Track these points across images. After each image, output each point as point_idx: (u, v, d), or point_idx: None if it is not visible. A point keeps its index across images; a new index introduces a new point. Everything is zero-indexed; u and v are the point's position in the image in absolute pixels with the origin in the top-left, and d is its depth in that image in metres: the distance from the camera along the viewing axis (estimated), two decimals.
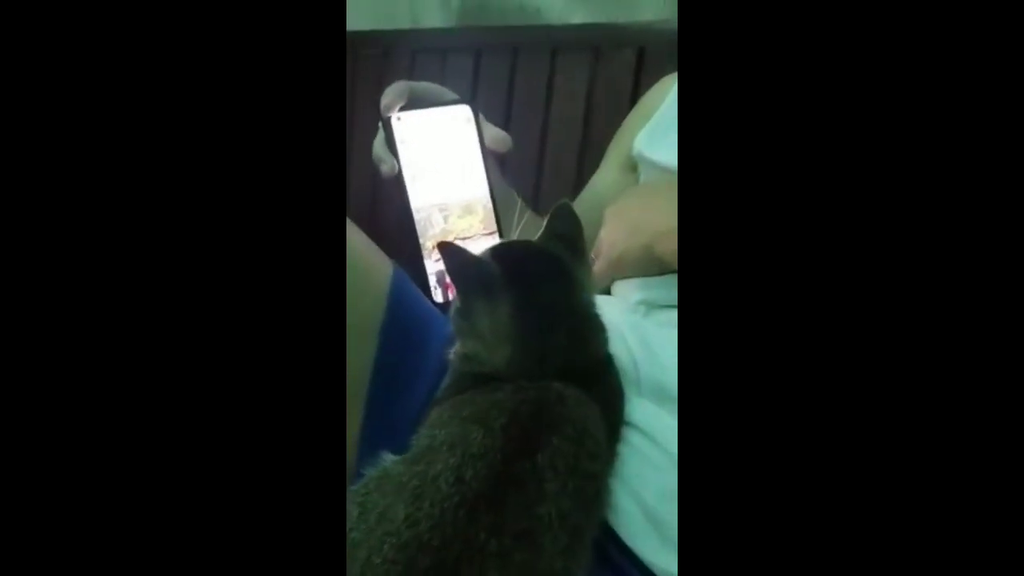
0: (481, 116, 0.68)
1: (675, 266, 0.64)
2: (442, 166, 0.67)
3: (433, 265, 0.66)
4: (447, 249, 0.52)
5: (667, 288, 0.65)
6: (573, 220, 0.57)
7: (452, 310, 0.55)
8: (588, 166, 0.99)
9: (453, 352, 0.56)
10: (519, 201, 0.81)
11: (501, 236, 0.67)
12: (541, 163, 1.13)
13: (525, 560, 0.44)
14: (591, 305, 0.56)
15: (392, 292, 0.60)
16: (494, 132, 0.68)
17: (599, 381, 0.54)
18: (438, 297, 0.65)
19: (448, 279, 0.64)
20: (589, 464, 0.48)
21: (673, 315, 0.64)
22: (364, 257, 0.61)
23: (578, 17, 1.18)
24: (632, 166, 0.82)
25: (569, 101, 1.11)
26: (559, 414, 0.48)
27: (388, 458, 0.50)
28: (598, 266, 0.69)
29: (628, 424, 0.55)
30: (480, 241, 0.66)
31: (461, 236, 0.66)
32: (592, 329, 0.55)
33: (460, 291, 0.53)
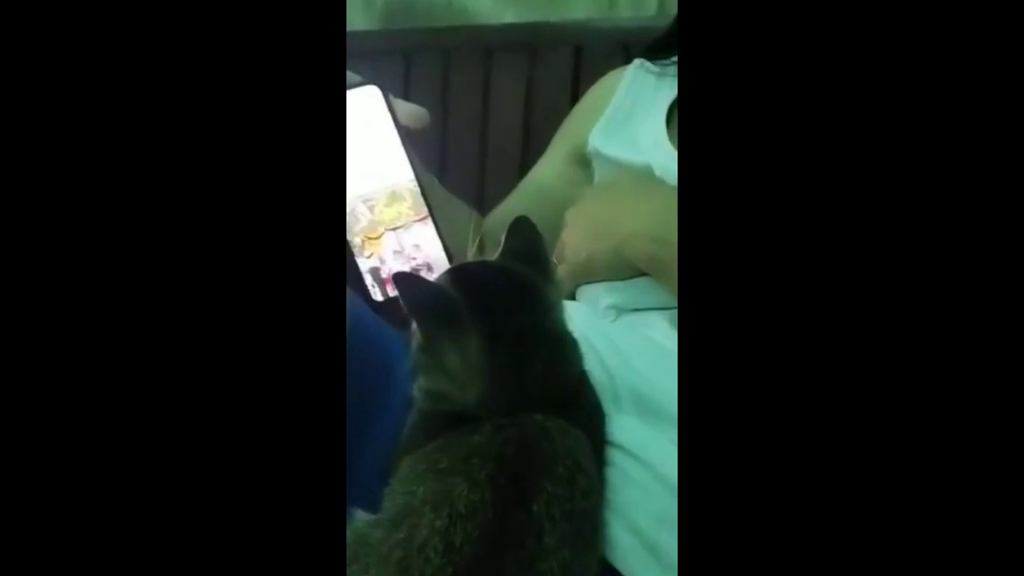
0: (391, 95, 0.61)
1: (644, 269, 0.62)
2: (358, 154, 0.60)
3: (366, 262, 0.60)
4: (402, 281, 0.47)
5: (636, 291, 0.62)
6: (534, 234, 0.53)
7: (413, 346, 0.49)
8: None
9: (416, 388, 0.51)
10: (473, 214, 0.77)
11: (433, 218, 0.61)
12: (483, 166, 1.08)
13: None
14: (563, 324, 0.52)
15: (351, 325, 0.55)
16: (407, 108, 0.62)
17: (579, 404, 0.50)
18: (376, 295, 0.60)
19: (385, 276, 0.59)
20: (583, 502, 0.44)
21: (644, 318, 0.61)
22: None
23: (508, 16, 1.15)
24: (581, 160, 0.79)
25: (507, 103, 1.07)
26: (546, 452, 0.44)
27: (360, 517, 0.45)
28: (562, 270, 0.66)
29: (611, 444, 0.51)
30: (413, 228, 0.61)
31: (392, 226, 0.60)
32: (567, 350, 0.50)
33: (421, 326, 0.48)
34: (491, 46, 1.08)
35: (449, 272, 0.52)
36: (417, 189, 0.61)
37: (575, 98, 0.95)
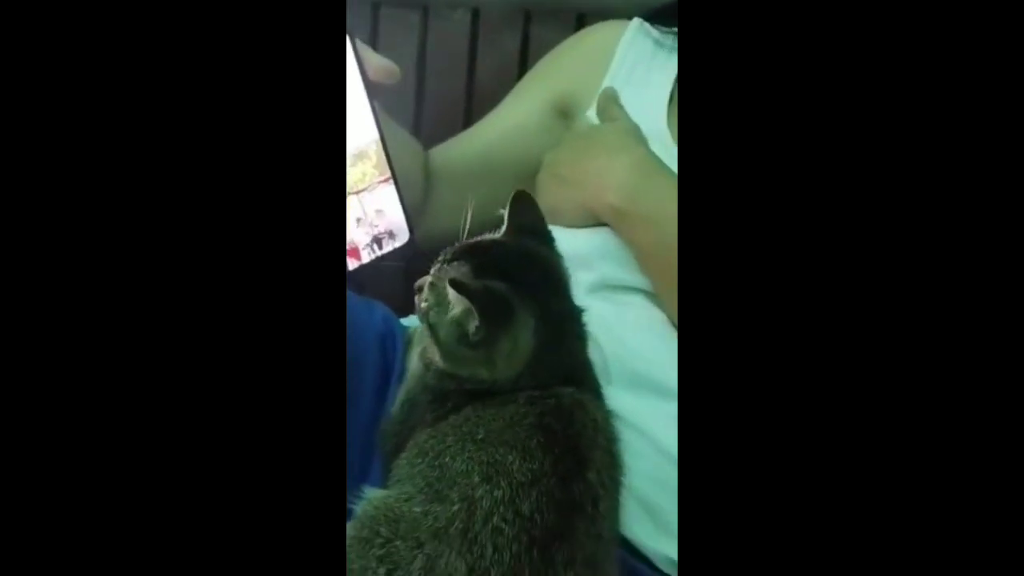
0: (359, 42, 0.57)
1: (607, 221, 0.63)
2: None
3: None
4: (464, 289, 0.45)
5: (619, 267, 0.64)
6: (536, 209, 0.53)
7: (450, 339, 0.48)
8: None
9: (425, 367, 0.50)
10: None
11: (395, 177, 0.58)
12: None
13: None
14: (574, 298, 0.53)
15: None
16: (377, 61, 0.57)
17: (590, 377, 0.51)
18: None
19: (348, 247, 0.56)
20: (619, 472, 0.46)
21: (633, 297, 0.63)
22: None
23: None
24: (565, 113, 0.78)
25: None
26: (587, 422, 0.45)
27: (375, 493, 0.44)
28: None
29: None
30: (377, 191, 0.58)
31: (356, 189, 0.57)
32: (583, 325, 0.52)
33: (487, 329, 0.46)
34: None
35: (473, 259, 0.50)
36: (382, 147, 0.58)
37: (472, 62, 0.90)
